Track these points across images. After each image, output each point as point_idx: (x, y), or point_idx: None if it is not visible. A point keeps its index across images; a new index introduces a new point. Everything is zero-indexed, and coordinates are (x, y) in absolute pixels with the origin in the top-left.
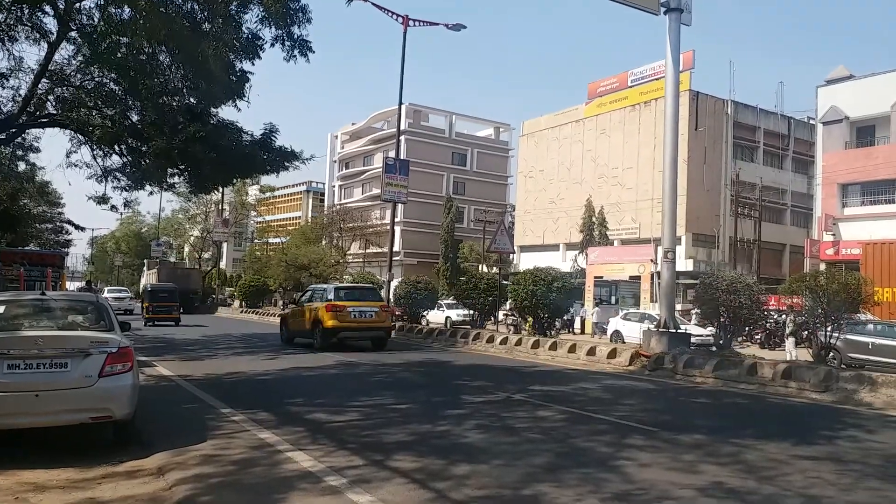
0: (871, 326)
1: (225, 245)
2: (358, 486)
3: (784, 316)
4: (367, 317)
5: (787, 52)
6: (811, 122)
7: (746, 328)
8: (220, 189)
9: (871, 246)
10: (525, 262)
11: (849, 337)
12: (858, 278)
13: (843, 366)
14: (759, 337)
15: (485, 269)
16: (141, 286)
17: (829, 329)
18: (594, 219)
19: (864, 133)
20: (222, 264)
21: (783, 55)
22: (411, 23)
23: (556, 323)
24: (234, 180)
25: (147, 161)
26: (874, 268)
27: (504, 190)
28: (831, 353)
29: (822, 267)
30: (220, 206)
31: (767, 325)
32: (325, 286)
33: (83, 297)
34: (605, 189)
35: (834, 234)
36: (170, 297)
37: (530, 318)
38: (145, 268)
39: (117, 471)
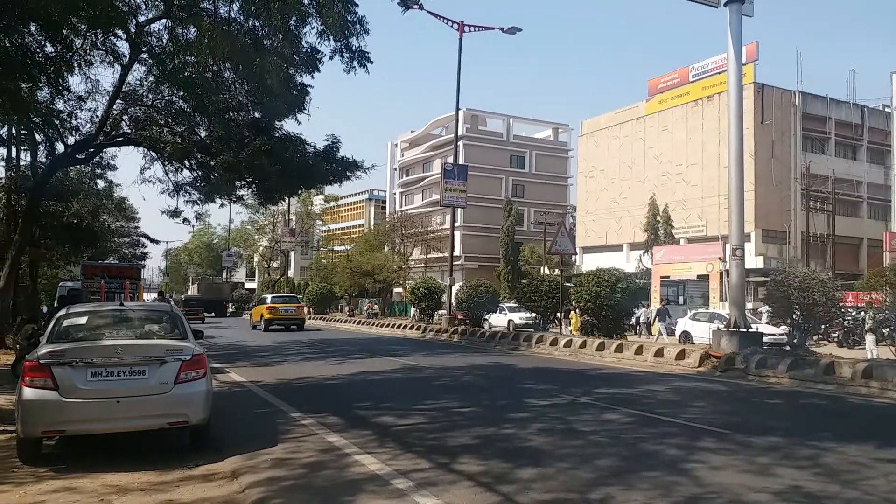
0: None
1: (292, 254)
2: (424, 489)
3: (863, 313)
4: (289, 312)
5: (858, 38)
6: (886, 109)
7: (822, 326)
8: (287, 200)
9: None
10: (588, 263)
11: None
12: None
13: None
14: (836, 335)
15: (546, 272)
16: (184, 297)
17: None
18: (658, 217)
19: None
20: (290, 272)
21: (853, 42)
22: (466, 28)
23: (633, 322)
24: (299, 191)
25: (216, 175)
26: None
27: (564, 191)
28: None
29: None
30: (286, 216)
31: (845, 322)
32: (266, 296)
33: (158, 308)
34: (668, 187)
35: None
36: (197, 304)
37: (574, 317)
38: (190, 282)
39: (193, 474)
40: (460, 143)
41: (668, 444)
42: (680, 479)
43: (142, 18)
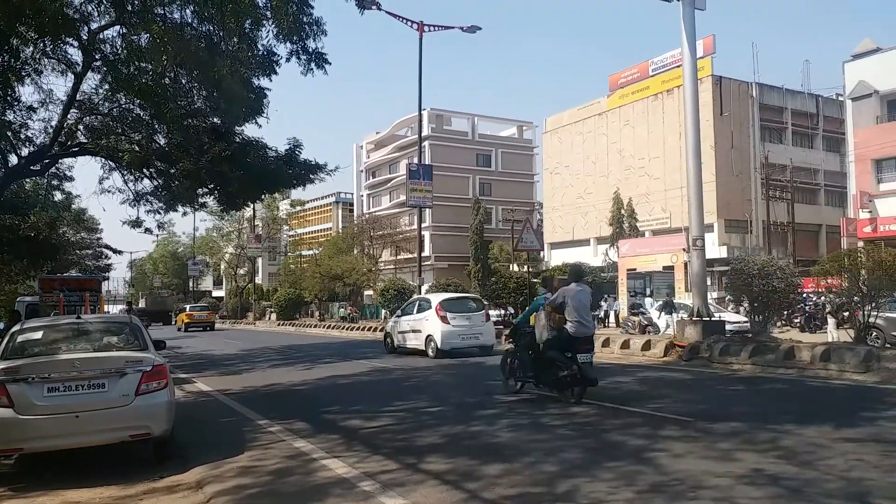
0: None
1: (259, 260)
2: (391, 490)
3: (823, 298)
4: (202, 317)
5: (811, 29)
6: (840, 98)
7: (784, 312)
8: (251, 205)
9: None
10: (556, 258)
11: (892, 315)
12: (894, 254)
13: (886, 345)
14: (798, 320)
15: (515, 269)
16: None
17: (868, 308)
18: (623, 211)
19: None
20: (258, 279)
21: (807, 33)
22: (426, 28)
23: (602, 315)
24: (263, 196)
25: (176, 183)
26: None
27: (531, 188)
28: (874, 333)
29: (861, 245)
30: (252, 222)
31: (806, 307)
32: (185, 306)
33: (117, 319)
34: (632, 180)
35: (871, 212)
36: (142, 315)
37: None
38: (140, 295)
39: (157, 486)
40: (426, 143)
41: (632, 434)
42: (643, 468)
43: (94, 25)
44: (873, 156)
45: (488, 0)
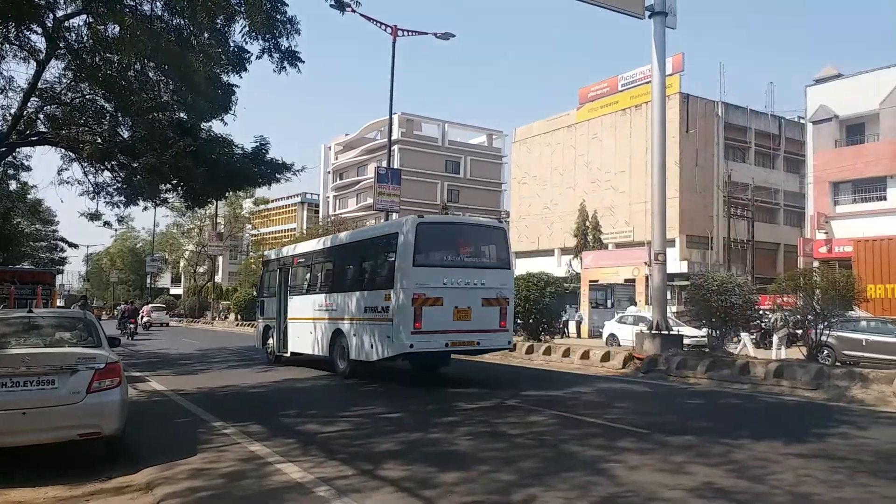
0: (864, 323)
1: (220, 259)
2: (346, 496)
3: (771, 314)
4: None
5: (776, 53)
6: (801, 121)
7: (740, 328)
8: (214, 203)
9: (862, 243)
10: (521, 267)
11: (842, 334)
12: (848, 275)
13: (837, 363)
14: (754, 337)
15: None
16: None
17: (820, 327)
18: (588, 223)
19: (854, 131)
20: (218, 278)
21: (772, 56)
22: (400, 33)
23: (561, 326)
24: (227, 193)
25: (139, 177)
26: (866, 265)
27: (498, 196)
28: (826, 351)
29: (816, 265)
30: (214, 219)
31: (762, 324)
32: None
33: (71, 314)
34: (598, 193)
35: (826, 233)
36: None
37: None
38: (113, 288)
39: (105, 487)
40: (395, 147)
41: (589, 444)
42: (598, 479)
43: (60, 13)
44: (831, 178)
45: (462, 10)
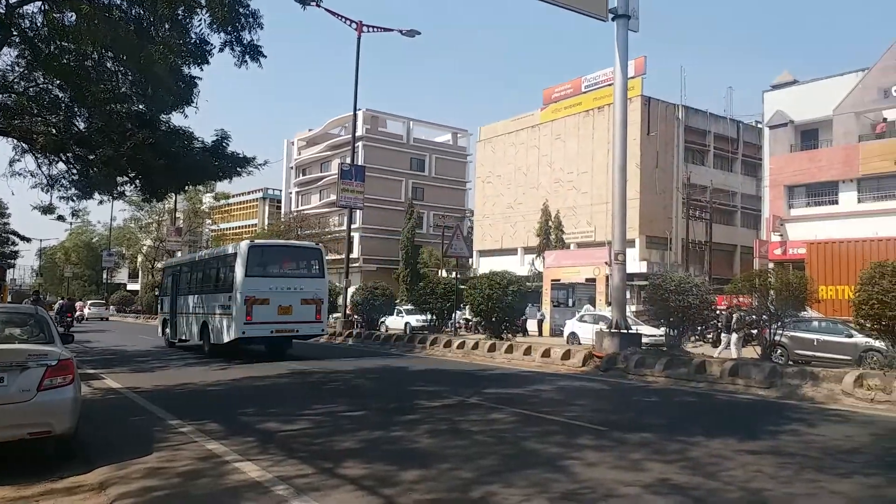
0: (815, 323)
1: (179, 254)
2: (305, 495)
3: (725, 313)
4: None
5: (736, 58)
6: (758, 125)
7: (698, 328)
8: (173, 197)
9: (815, 245)
10: (484, 266)
11: (795, 334)
12: (801, 277)
13: (789, 362)
14: (710, 336)
15: (444, 274)
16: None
17: (774, 327)
18: (550, 223)
19: (808, 136)
20: None
21: (732, 61)
22: (365, 28)
23: (523, 325)
24: (186, 187)
25: (95, 169)
26: (818, 267)
27: (463, 195)
28: (779, 350)
29: (771, 267)
30: (173, 214)
31: (718, 324)
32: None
33: (21, 310)
34: (561, 193)
35: (781, 235)
36: None
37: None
38: (67, 283)
39: (57, 487)
40: (359, 143)
41: (548, 441)
42: (557, 476)
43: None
44: (786, 182)
45: (428, 10)
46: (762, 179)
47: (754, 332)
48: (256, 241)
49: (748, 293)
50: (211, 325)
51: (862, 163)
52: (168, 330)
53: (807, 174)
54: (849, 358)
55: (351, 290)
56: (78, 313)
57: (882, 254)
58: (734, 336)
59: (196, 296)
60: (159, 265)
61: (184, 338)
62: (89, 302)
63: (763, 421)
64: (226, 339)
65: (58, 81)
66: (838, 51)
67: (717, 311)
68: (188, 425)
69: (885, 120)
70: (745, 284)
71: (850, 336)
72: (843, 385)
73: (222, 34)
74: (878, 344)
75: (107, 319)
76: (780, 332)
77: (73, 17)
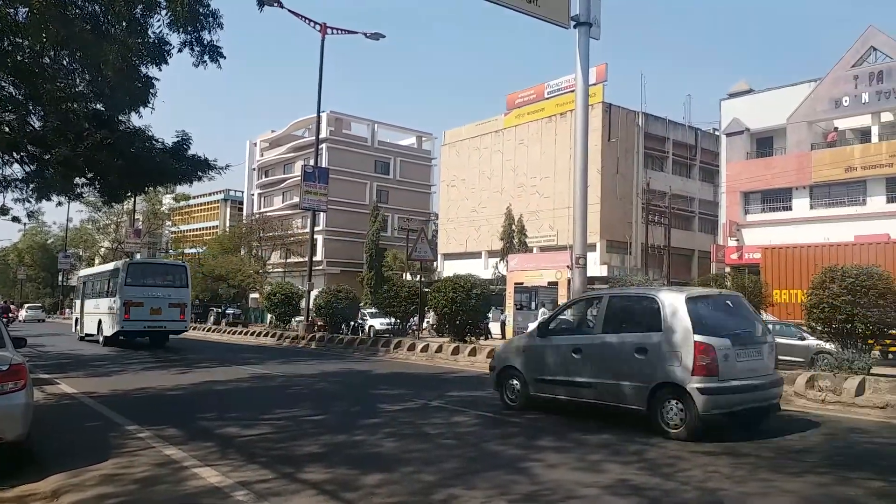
0: (770, 326)
1: (137, 256)
2: (266, 501)
3: None
4: None
5: (695, 66)
6: (716, 133)
7: None
8: (133, 198)
9: (769, 250)
10: (449, 269)
11: None
12: (756, 281)
13: None
14: None
15: (409, 278)
16: None
17: None
18: (514, 227)
19: (764, 144)
20: None
21: (691, 70)
22: (329, 31)
23: (486, 327)
24: (146, 189)
25: (51, 170)
26: (773, 271)
27: (428, 198)
28: None
29: (728, 271)
30: (132, 215)
31: None
32: None
33: None
34: (524, 198)
35: (737, 240)
36: None
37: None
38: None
39: (7, 496)
40: (323, 145)
41: (510, 443)
42: (518, 478)
43: None
44: (742, 188)
45: (394, 14)
46: (719, 186)
47: None
48: (135, 259)
49: None
50: (103, 322)
51: (814, 170)
52: (78, 327)
53: (762, 181)
54: (802, 360)
55: (314, 293)
56: (13, 315)
57: (832, 259)
58: None
59: (95, 300)
60: (80, 272)
61: (89, 332)
62: (27, 305)
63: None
64: (110, 333)
65: (11, 78)
66: (792, 61)
67: None
68: (146, 431)
69: (835, 129)
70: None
71: (803, 339)
72: (795, 386)
73: (182, 34)
74: (828, 346)
75: (43, 321)
76: None
77: (26, 13)
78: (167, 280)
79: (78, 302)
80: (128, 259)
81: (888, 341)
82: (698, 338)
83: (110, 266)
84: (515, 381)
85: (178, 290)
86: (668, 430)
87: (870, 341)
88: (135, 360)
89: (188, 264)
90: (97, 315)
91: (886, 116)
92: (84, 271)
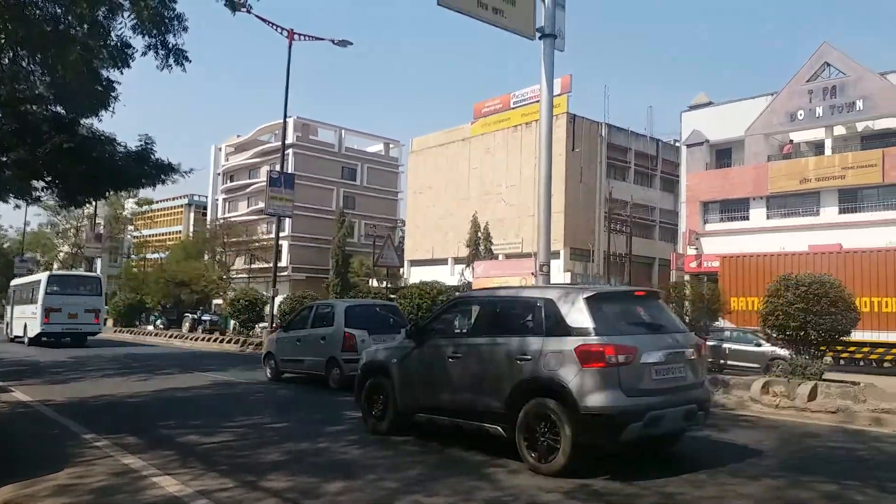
0: (727, 333)
1: (98, 261)
2: None
3: None
4: None
5: (657, 78)
6: (676, 144)
7: None
8: (94, 202)
9: (727, 259)
10: (415, 276)
11: (709, 343)
12: (714, 289)
13: None
14: None
15: (375, 284)
16: None
17: None
18: (480, 234)
19: (722, 155)
20: None
21: (653, 81)
22: (297, 37)
23: None
24: (107, 194)
25: (8, 173)
26: (730, 279)
27: (395, 205)
28: None
29: (687, 279)
30: (93, 220)
31: None
32: None
33: None
34: (490, 205)
35: (697, 249)
36: None
37: None
38: None
39: None
40: (290, 151)
41: (474, 449)
42: (481, 484)
43: None
44: (701, 198)
45: (362, 21)
46: (679, 195)
47: None
48: (54, 271)
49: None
50: (28, 325)
51: (770, 181)
52: (9, 330)
53: (721, 191)
54: (757, 366)
55: (279, 299)
56: None
57: (787, 267)
58: None
59: (22, 306)
60: (12, 283)
61: (17, 334)
62: None
63: None
64: (34, 334)
65: None
66: (751, 75)
67: None
68: (103, 439)
69: (791, 142)
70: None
71: (759, 345)
72: (751, 392)
73: (146, 37)
74: (783, 352)
75: None
76: None
77: None
78: (83, 289)
79: (9, 308)
80: (49, 272)
81: (839, 348)
82: None
83: (35, 277)
84: None
85: (93, 297)
86: None
87: (822, 348)
88: (93, 367)
89: (101, 276)
90: (24, 319)
91: (839, 130)
92: (14, 281)
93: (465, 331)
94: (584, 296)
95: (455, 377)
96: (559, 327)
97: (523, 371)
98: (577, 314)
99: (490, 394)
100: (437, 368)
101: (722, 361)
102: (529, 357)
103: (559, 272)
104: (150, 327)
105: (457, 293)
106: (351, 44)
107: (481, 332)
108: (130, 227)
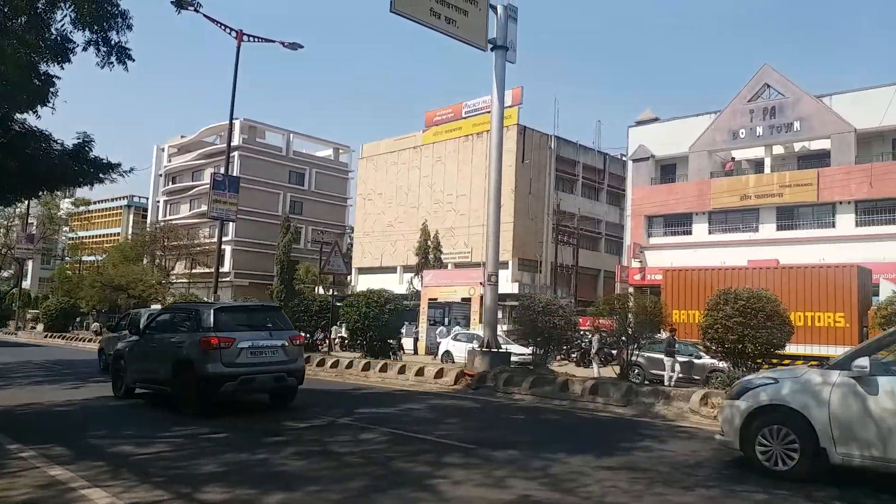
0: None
1: (30, 263)
2: None
3: (589, 335)
4: None
5: (605, 94)
6: (623, 158)
7: (564, 347)
8: (27, 201)
9: (670, 272)
10: (363, 283)
11: (651, 355)
12: (656, 301)
13: (645, 381)
14: (575, 356)
15: (321, 291)
16: None
17: (632, 347)
18: (429, 242)
19: (667, 171)
20: (26, 284)
21: (602, 97)
22: (246, 38)
23: (399, 343)
24: (41, 192)
25: None
26: (673, 292)
27: (344, 211)
28: (636, 370)
29: (631, 291)
30: (25, 219)
31: (582, 344)
32: None
33: None
34: (440, 214)
35: (641, 261)
36: None
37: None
38: None
39: None
40: (235, 153)
41: (417, 461)
42: (424, 495)
43: None
44: (646, 212)
45: (313, 24)
46: (625, 209)
47: (614, 352)
48: None
49: (608, 316)
50: None
51: (713, 197)
52: None
53: (665, 206)
54: (698, 378)
55: None
56: None
57: (727, 282)
58: (595, 357)
59: None
60: None
61: None
62: None
63: (619, 438)
64: None
65: None
66: (696, 92)
67: (582, 332)
68: (29, 450)
69: (733, 159)
70: (605, 307)
71: (699, 358)
72: (690, 403)
73: (87, 32)
74: (721, 365)
75: None
76: (637, 352)
77: None
78: None
79: None
80: None
81: (775, 361)
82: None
83: None
84: None
85: None
86: None
87: (759, 360)
88: (21, 373)
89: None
90: None
91: (778, 149)
92: None
93: (158, 329)
94: (213, 308)
95: (150, 358)
96: (198, 328)
97: (178, 354)
98: (207, 320)
99: (164, 368)
100: (143, 353)
101: (662, 373)
102: (182, 344)
103: (507, 282)
104: (88, 332)
105: (173, 304)
106: (301, 46)
107: (167, 330)
108: (66, 228)
